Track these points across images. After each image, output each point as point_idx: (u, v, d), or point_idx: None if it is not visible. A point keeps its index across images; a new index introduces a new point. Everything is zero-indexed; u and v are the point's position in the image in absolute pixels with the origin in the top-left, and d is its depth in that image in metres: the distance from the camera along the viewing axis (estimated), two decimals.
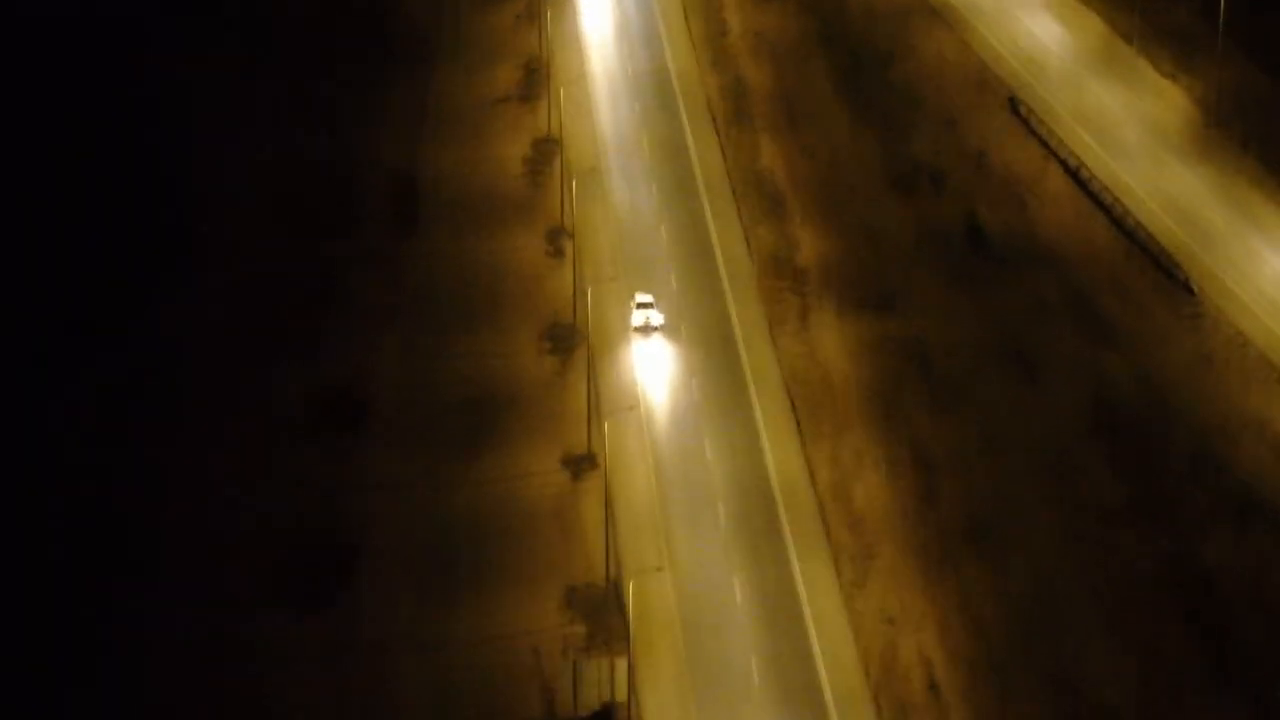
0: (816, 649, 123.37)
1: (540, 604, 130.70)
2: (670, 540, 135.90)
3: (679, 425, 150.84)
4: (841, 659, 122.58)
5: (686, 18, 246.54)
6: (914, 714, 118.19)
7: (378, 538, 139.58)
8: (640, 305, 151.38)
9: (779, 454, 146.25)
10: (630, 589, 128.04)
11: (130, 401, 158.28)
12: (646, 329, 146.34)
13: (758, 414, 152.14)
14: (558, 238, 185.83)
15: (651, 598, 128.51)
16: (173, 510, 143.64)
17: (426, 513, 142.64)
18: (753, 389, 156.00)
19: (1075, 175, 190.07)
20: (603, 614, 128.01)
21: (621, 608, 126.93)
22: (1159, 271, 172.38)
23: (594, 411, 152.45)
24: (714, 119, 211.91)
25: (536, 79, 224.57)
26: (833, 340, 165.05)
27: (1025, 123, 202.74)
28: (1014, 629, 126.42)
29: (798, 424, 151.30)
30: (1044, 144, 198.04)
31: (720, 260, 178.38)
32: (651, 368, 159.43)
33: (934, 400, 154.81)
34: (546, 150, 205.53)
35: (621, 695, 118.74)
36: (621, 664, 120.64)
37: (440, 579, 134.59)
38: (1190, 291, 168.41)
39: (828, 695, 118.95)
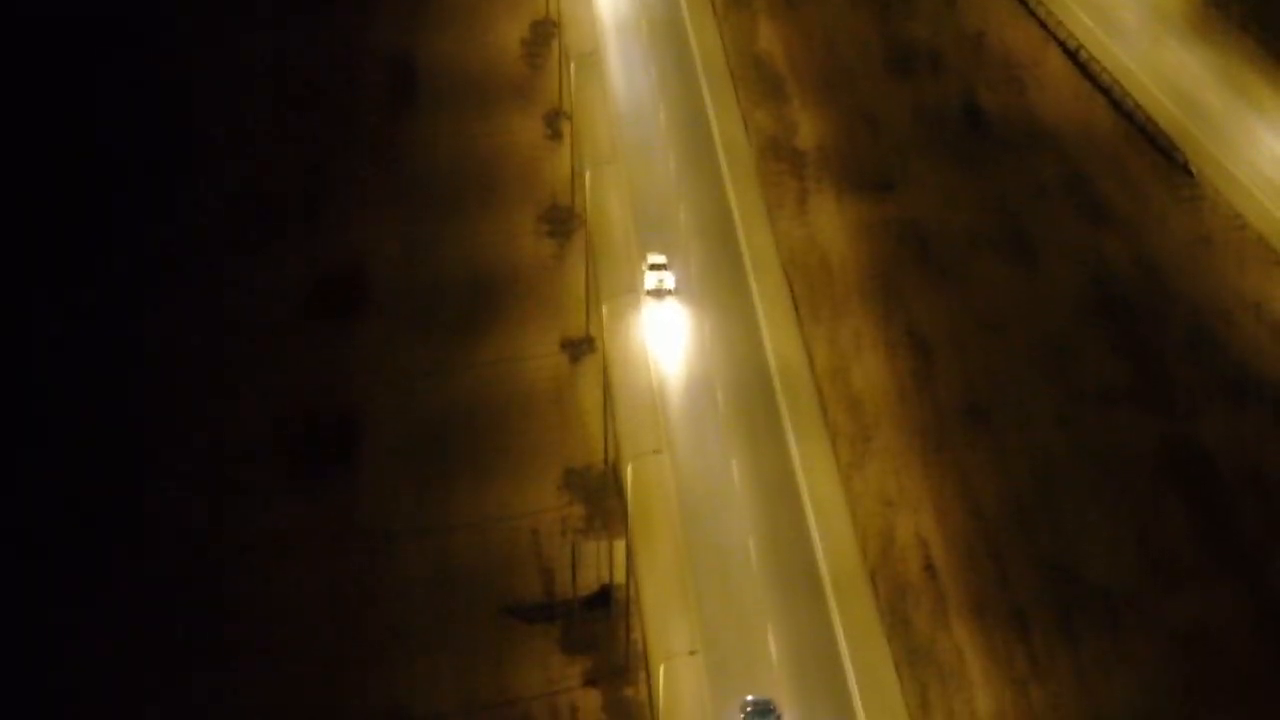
0: (814, 531, 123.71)
1: (539, 486, 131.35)
2: (668, 423, 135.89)
3: (677, 307, 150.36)
4: (839, 541, 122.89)
5: None
6: (910, 595, 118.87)
7: (378, 421, 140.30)
8: (653, 267, 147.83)
9: (777, 337, 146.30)
10: (628, 472, 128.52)
11: (135, 292, 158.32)
12: (659, 292, 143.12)
13: (755, 298, 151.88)
14: (556, 120, 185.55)
15: (649, 480, 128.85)
16: (176, 396, 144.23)
17: (426, 396, 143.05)
18: (751, 273, 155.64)
19: (1074, 57, 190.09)
20: (601, 496, 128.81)
21: (620, 490, 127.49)
22: (1157, 153, 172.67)
23: (592, 294, 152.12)
24: (712, 1, 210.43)
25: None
26: (831, 223, 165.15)
27: (1024, 3, 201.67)
28: (1011, 511, 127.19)
29: (796, 307, 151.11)
30: (1043, 25, 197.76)
31: (718, 143, 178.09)
32: (649, 257, 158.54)
33: (932, 282, 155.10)
34: (545, 32, 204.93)
35: (620, 576, 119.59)
36: (620, 545, 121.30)
37: (439, 461, 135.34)
38: (1188, 173, 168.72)
39: (825, 577, 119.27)
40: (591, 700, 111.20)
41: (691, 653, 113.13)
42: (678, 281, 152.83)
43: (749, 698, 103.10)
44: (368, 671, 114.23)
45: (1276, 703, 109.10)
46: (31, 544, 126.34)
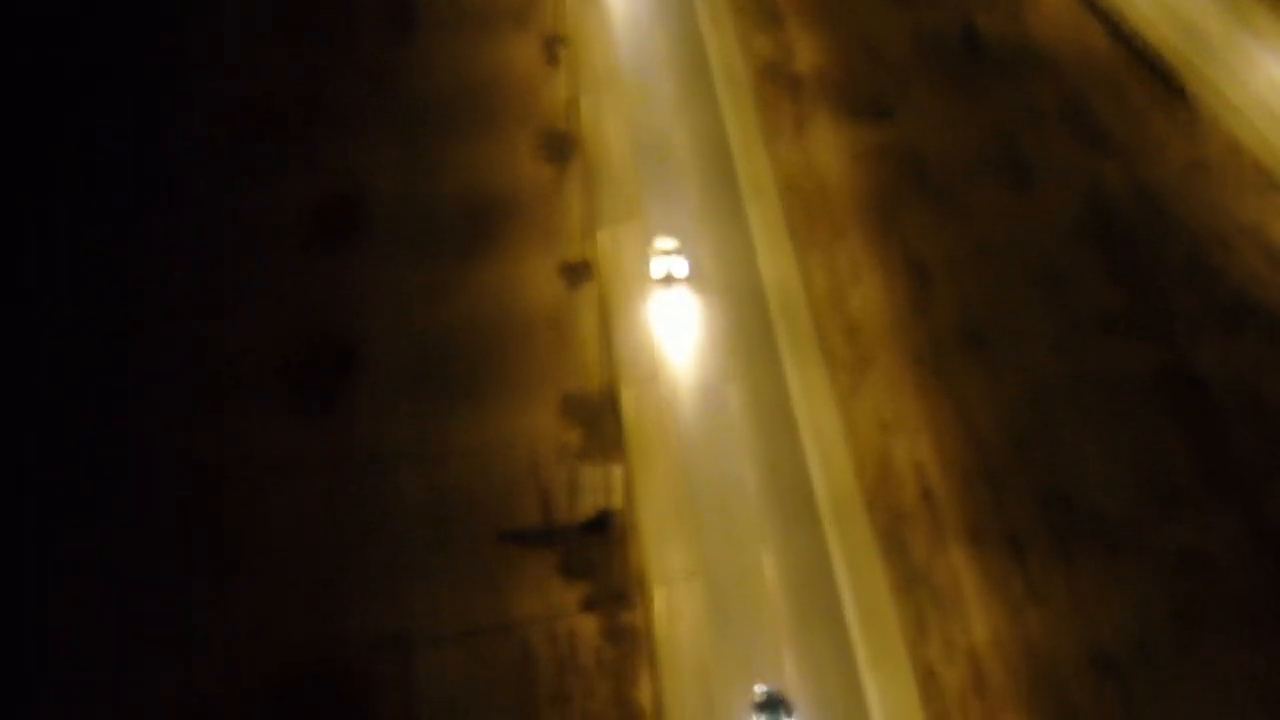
0: (811, 456, 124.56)
1: (537, 412, 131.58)
2: (665, 349, 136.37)
3: (673, 232, 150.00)
4: (836, 466, 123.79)
5: None
6: (907, 521, 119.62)
7: (376, 345, 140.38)
8: (662, 252, 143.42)
9: (773, 262, 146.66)
10: (626, 398, 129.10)
11: (131, 215, 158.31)
12: (669, 280, 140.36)
13: (753, 223, 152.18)
14: (554, 45, 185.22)
15: (647, 406, 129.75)
16: (175, 320, 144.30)
17: (424, 320, 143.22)
18: (748, 198, 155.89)
19: None
20: (599, 421, 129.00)
21: (617, 415, 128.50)
22: (1155, 79, 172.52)
23: (590, 219, 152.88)
24: None
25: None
26: (829, 149, 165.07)
27: None
28: (1008, 436, 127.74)
29: (793, 232, 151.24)
30: None
31: (716, 68, 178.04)
32: (647, 177, 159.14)
33: (930, 208, 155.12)
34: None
35: (618, 502, 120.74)
36: (617, 471, 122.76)
37: (437, 386, 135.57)
38: (1186, 99, 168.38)
39: (822, 502, 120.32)
40: (589, 625, 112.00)
41: (689, 577, 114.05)
42: (676, 206, 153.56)
43: (758, 688, 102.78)
44: (366, 594, 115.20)
45: (1268, 625, 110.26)
46: (26, 468, 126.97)
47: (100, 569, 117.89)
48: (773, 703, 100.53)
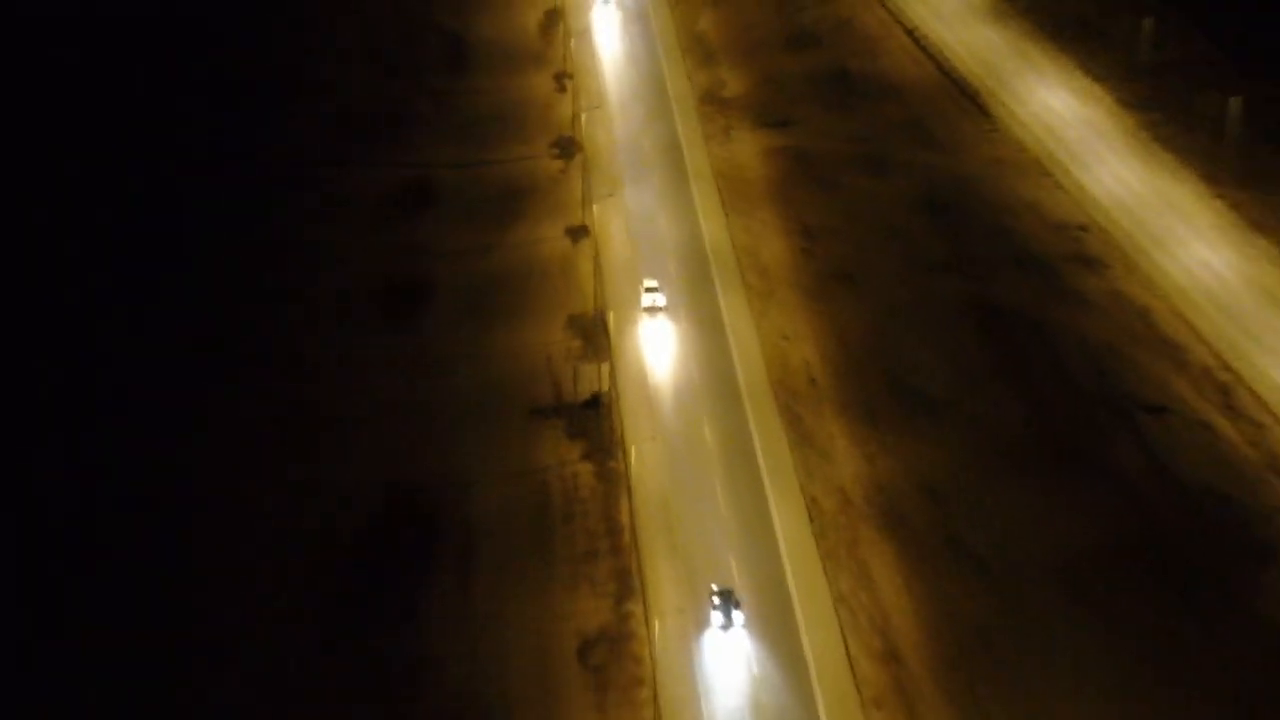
0: (735, 357, 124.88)
1: (551, 327, 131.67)
2: (636, 286, 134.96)
3: (644, 205, 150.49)
4: (752, 364, 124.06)
5: None
6: (799, 400, 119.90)
7: (442, 283, 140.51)
8: (648, 290, 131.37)
9: (710, 225, 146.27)
10: (611, 317, 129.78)
11: (264, 194, 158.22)
12: (654, 310, 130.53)
13: (696, 198, 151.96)
14: (561, 78, 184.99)
15: (624, 324, 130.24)
16: (300, 267, 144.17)
17: (474, 266, 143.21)
18: (694, 183, 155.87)
19: (911, 34, 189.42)
20: (593, 333, 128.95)
21: (605, 330, 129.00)
22: (967, 100, 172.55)
23: (587, 197, 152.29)
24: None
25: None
26: (747, 148, 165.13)
27: None
28: (867, 344, 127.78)
29: (723, 205, 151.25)
30: (890, 12, 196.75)
31: (672, 94, 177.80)
32: (624, 169, 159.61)
33: (814, 189, 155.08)
34: (553, 18, 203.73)
35: (605, 387, 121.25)
36: (605, 367, 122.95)
37: (483, 310, 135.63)
38: (987, 115, 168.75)
39: (743, 388, 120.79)
40: (587, 470, 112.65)
41: (653, 439, 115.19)
42: (643, 187, 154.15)
43: (715, 586, 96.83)
44: (438, 450, 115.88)
45: (1035, 462, 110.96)
46: (195, 358, 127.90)
47: (254, 432, 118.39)
48: (724, 594, 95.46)
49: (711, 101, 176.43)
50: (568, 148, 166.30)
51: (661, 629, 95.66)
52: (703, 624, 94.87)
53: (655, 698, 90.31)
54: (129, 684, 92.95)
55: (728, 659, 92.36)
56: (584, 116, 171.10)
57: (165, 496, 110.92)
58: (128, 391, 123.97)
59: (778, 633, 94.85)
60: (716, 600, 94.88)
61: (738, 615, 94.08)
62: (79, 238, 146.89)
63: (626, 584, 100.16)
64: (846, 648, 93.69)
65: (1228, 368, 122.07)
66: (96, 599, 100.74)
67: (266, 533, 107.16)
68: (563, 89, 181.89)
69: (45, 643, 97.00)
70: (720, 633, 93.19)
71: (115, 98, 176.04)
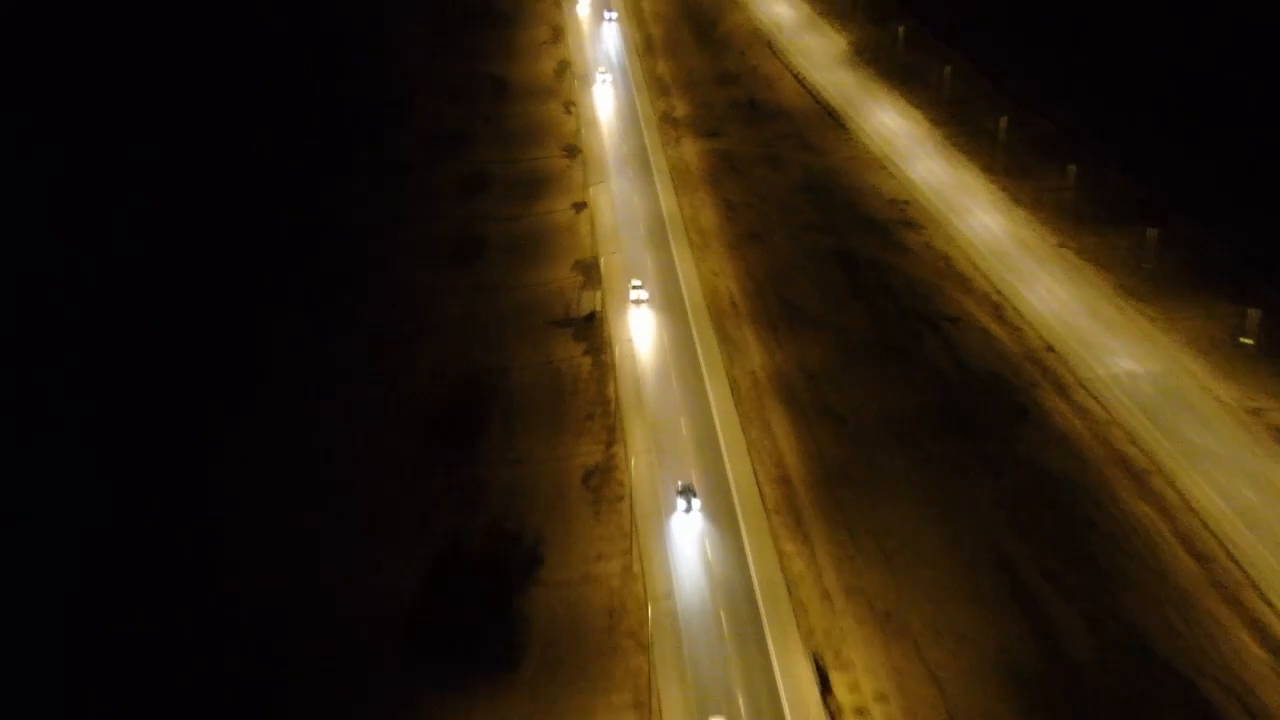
0: (683, 287, 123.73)
1: (563, 268, 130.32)
2: (618, 240, 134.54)
3: (623, 189, 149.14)
4: (694, 292, 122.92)
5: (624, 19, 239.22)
6: (725, 316, 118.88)
7: (491, 239, 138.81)
8: (635, 288, 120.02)
9: (667, 201, 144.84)
10: (601, 261, 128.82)
11: (377, 184, 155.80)
12: (639, 302, 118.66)
13: (658, 184, 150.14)
14: (569, 106, 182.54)
15: (612, 264, 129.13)
16: (398, 227, 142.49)
17: (513, 229, 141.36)
18: (655, 174, 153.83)
19: (796, 77, 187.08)
20: (591, 271, 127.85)
21: (598, 269, 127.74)
22: (831, 119, 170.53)
23: (585, 183, 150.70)
24: (638, 51, 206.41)
25: (559, 35, 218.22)
26: (690, 150, 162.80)
27: (774, 53, 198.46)
28: (768, 279, 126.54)
29: (675, 188, 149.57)
30: (783, 62, 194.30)
31: (640, 116, 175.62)
32: (610, 165, 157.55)
33: (734, 177, 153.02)
34: (563, 66, 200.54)
35: (599, 307, 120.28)
36: (599, 293, 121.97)
37: (519, 257, 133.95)
38: (845, 128, 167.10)
39: (688, 308, 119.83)
40: (587, 360, 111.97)
41: (629, 341, 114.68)
42: (624, 177, 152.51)
43: (680, 483, 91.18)
44: (488, 349, 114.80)
45: (879, 358, 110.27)
46: (325, 291, 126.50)
47: (372, 335, 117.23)
48: (685, 491, 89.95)
49: (667, 120, 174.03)
50: (572, 151, 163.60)
51: (635, 464, 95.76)
52: (661, 466, 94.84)
53: (630, 507, 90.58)
54: (272, 509, 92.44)
55: (678, 484, 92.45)
56: (583, 131, 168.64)
57: (310, 377, 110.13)
58: (299, 304, 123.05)
59: (710, 465, 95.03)
60: (680, 487, 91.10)
61: (695, 500, 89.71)
62: (265, 212, 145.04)
63: (613, 435, 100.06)
64: (755, 474, 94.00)
65: (999, 292, 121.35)
66: (258, 441, 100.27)
67: (376, 403, 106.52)
68: (570, 113, 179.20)
69: (213, 475, 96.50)
70: (679, 498, 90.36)
71: (297, 121, 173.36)
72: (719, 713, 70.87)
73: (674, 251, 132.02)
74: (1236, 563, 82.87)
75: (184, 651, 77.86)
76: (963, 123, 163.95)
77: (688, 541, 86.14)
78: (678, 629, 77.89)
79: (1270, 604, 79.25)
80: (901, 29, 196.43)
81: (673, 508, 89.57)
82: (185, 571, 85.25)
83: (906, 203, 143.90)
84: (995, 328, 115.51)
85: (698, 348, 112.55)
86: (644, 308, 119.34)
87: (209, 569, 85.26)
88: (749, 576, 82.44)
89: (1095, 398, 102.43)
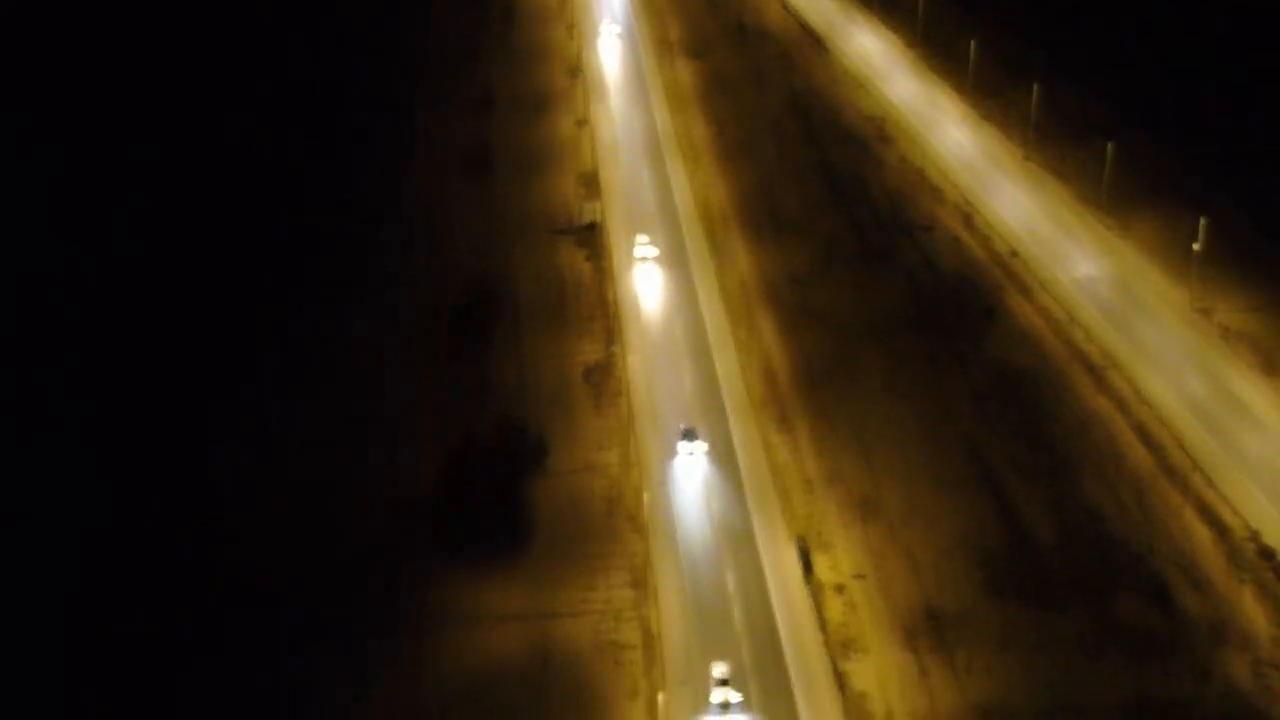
0: (676, 195, 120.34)
1: (567, 181, 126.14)
2: (617, 156, 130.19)
3: (620, 107, 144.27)
4: (686, 199, 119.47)
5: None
6: (715, 224, 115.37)
7: (500, 156, 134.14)
8: (641, 245, 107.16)
9: (662, 119, 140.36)
10: (601, 174, 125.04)
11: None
12: (645, 260, 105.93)
13: (654, 105, 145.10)
14: (571, 30, 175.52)
15: (612, 177, 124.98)
16: (426, 144, 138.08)
17: (519, 144, 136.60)
18: (651, 93, 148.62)
19: (784, 5, 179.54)
20: (593, 184, 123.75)
21: (599, 182, 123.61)
22: (815, 42, 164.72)
23: (585, 102, 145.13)
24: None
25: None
26: (682, 71, 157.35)
27: None
28: (756, 190, 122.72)
29: (668, 106, 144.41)
30: None
31: (638, 39, 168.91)
32: (609, 85, 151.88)
33: (722, 96, 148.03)
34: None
35: (600, 217, 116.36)
36: (599, 205, 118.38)
37: (527, 170, 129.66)
38: (827, 50, 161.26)
39: (681, 215, 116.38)
40: (589, 266, 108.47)
41: (630, 252, 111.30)
42: (625, 96, 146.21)
43: (683, 425, 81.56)
44: (495, 255, 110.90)
45: (861, 264, 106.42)
46: (357, 203, 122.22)
47: (389, 241, 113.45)
48: (688, 433, 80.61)
49: (662, 43, 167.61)
50: (574, 71, 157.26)
51: (632, 362, 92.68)
52: (656, 363, 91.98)
53: (628, 399, 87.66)
54: (302, 405, 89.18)
55: (673, 385, 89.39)
56: (584, 53, 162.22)
57: (328, 286, 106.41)
58: (335, 217, 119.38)
59: (700, 364, 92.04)
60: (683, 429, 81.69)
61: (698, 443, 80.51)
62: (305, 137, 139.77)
63: (612, 336, 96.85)
64: (743, 372, 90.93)
65: (969, 203, 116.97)
66: (287, 346, 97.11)
67: (396, 306, 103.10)
68: (571, 36, 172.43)
69: (246, 375, 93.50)
70: (682, 441, 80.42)
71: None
72: (711, 596, 68.85)
73: (668, 165, 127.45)
74: (1185, 451, 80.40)
75: (219, 536, 75.70)
76: (937, 45, 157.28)
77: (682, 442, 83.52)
78: (671, 515, 75.66)
79: (1215, 488, 76.87)
80: None
81: (669, 401, 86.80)
82: (222, 460, 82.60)
83: (884, 119, 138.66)
84: (965, 235, 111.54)
85: (689, 254, 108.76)
86: (638, 214, 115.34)
87: (244, 460, 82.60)
88: (737, 466, 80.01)
89: (1057, 300, 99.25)
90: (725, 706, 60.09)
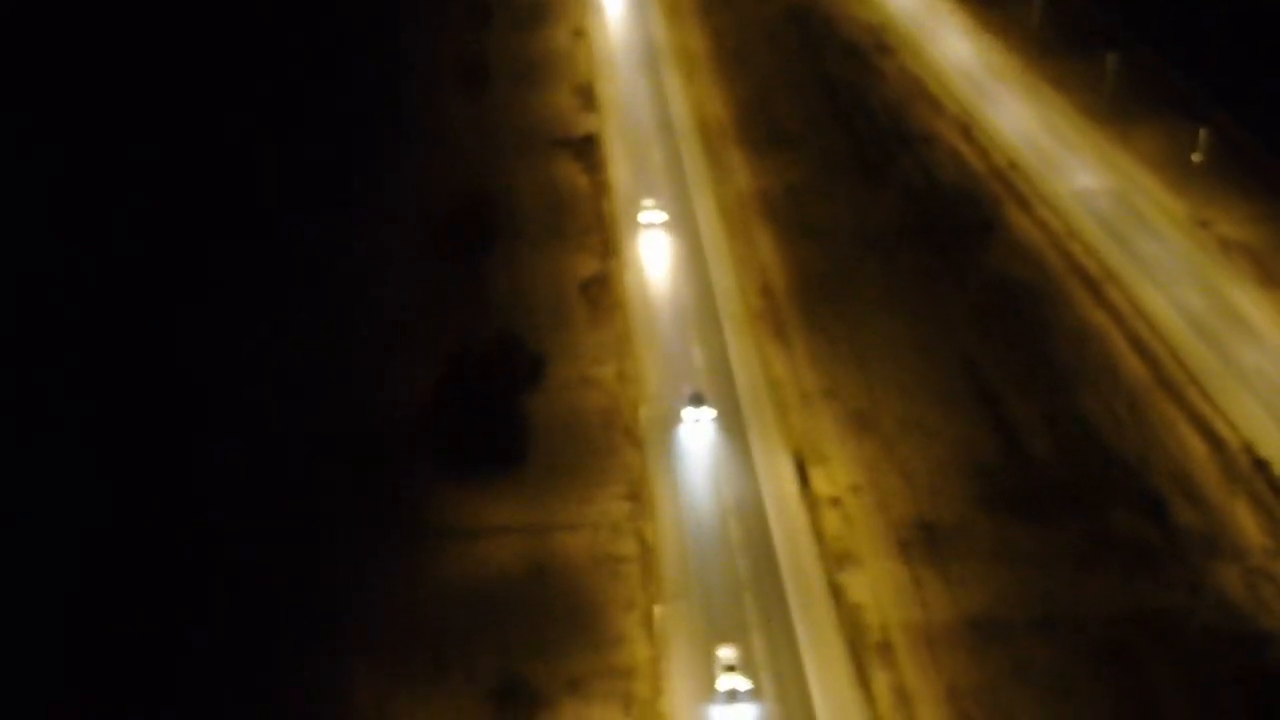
0: (673, 107, 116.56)
1: (562, 94, 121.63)
2: (614, 67, 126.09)
3: (616, 16, 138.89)
4: (682, 115, 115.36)
5: None
6: (712, 137, 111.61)
7: (497, 68, 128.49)
8: (647, 208, 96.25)
9: (658, 30, 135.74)
10: (597, 88, 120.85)
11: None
12: (651, 225, 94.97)
13: (650, 15, 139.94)
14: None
15: (606, 90, 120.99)
16: (423, 58, 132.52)
17: (516, 56, 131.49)
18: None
19: None
20: (589, 97, 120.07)
21: (594, 95, 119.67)
22: None
23: (582, 8, 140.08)
24: None
25: None
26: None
27: None
28: (754, 102, 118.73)
29: (665, 18, 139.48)
30: None
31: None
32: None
33: (721, 6, 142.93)
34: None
35: (595, 129, 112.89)
36: (595, 117, 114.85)
37: (522, 82, 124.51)
38: None
39: (678, 129, 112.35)
40: (585, 178, 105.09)
41: (624, 161, 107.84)
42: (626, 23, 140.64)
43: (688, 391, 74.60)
44: (493, 167, 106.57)
45: (854, 173, 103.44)
46: (358, 107, 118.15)
47: (385, 147, 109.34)
48: (696, 398, 73.96)
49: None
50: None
51: (630, 275, 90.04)
52: (652, 277, 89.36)
53: (625, 313, 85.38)
54: (301, 313, 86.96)
55: (671, 295, 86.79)
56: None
57: (345, 194, 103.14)
58: (331, 130, 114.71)
59: (698, 277, 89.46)
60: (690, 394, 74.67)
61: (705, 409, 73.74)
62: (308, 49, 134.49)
63: (609, 249, 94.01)
64: (740, 286, 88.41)
65: (968, 114, 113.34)
66: (286, 251, 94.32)
67: (395, 212, 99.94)
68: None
69: (245, 281, 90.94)
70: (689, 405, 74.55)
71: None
72: (707, 509, 67.46)
73: (664, 77, 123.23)
74: (1182, 364, 78.47)
75: (211, 446, 73.99)
76: None
77: (678, 351, 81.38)
78: (667, 428, 73.89)
79: (1211, 400, 75.18)
80: None
81: (665, 305, 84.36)
82: (214, 368, 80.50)
83: (882, 29, 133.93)
84: (964, 147, 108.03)
85: (686, 167, 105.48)
86: (634, 125, 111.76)
87: (238, 368, 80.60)
88: (733, 380, 78.05)
89: (1055, 212, 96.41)
90: (732, 695, 55.61)
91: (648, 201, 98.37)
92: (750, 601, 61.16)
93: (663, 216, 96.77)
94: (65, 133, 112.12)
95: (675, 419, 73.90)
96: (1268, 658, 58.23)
